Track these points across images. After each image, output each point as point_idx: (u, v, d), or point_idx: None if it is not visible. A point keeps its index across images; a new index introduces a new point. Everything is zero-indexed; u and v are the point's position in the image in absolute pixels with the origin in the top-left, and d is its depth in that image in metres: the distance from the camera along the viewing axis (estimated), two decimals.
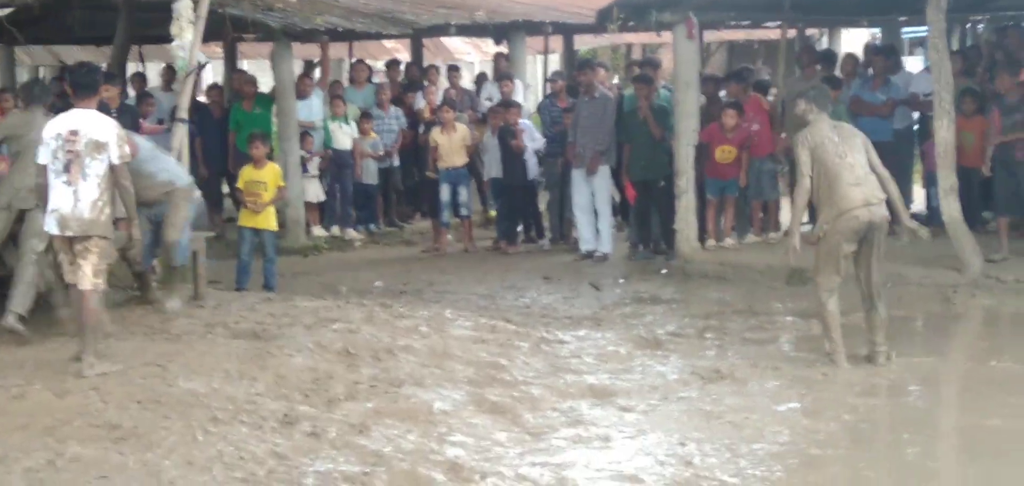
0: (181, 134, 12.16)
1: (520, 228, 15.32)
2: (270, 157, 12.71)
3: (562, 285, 12.66)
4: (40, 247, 9.19)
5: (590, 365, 9.12)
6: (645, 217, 14.02)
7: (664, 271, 13.04)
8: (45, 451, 6.30)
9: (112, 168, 8.50)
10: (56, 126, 8.57)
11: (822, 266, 9.02)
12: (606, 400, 8.19)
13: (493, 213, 16.18)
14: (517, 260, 14.31)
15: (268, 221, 12.11)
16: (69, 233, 8.41)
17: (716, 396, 8.28)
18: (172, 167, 10.71)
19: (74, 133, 8.47)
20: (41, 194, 8.63)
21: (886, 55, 14.65)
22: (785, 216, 13.96)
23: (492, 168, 15.40)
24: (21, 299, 9.27)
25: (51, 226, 8.49)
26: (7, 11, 15.01)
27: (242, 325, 9.62)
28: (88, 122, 8.57)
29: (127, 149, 8.73)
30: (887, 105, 13.65)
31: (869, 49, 16.88)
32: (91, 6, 15.52)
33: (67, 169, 8.42)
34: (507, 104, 15.45)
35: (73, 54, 22.49)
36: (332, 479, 6.22)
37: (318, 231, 15.57)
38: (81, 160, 8.43)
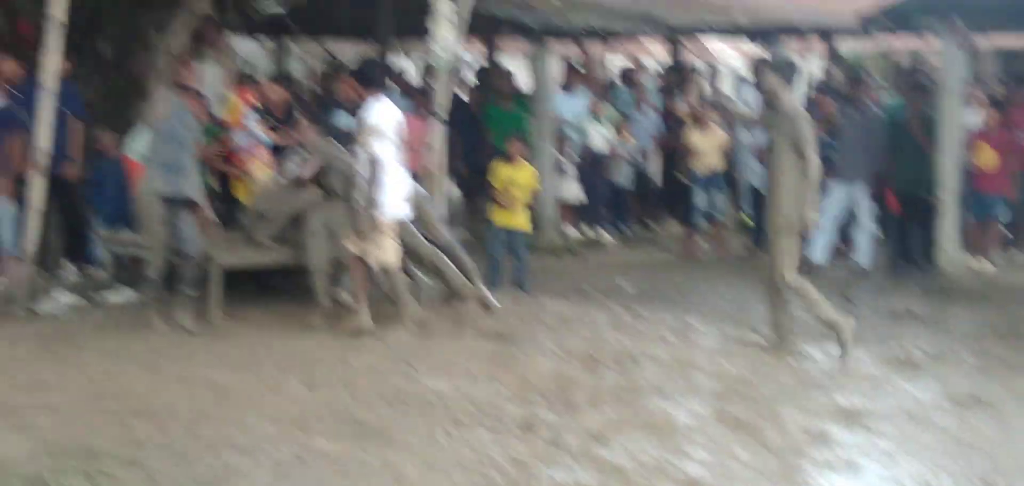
0: (438, 131, 12.38)
1: None
2: (526, 156, 12.81)
3: None
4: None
5: (840, 384, 8.85)
6: (906, 230, 13.56)
7: (924, 288, 12.58)
8: (293, 445, 6.47)
9: None
10: (392, 115, 9.33)
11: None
12: (855, 423, 7.91)
13: (749, 220, 15.92)
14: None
15: (521, 220, 12.22)
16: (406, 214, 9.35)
17: (973, 425, 7.89)
18: None
19: (400, 122, 9.39)
20: (377, 186, 9.22)
21: None
22: None
23: (749, 173, 15.17)
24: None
25: (406, 210, 9.42)
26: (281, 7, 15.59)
27: (489, 325, 9.71)
28: (396, 112, 9.46)
29: None
30: None
31: None
32: (357, 1, 15.92)
33: (401, 155, 9.36)
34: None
35: (339, 47, 23.17)
36: None
37: (570, 231, 15.61)
38: (403, 145, 9.40)
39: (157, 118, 9.72)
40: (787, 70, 9.60)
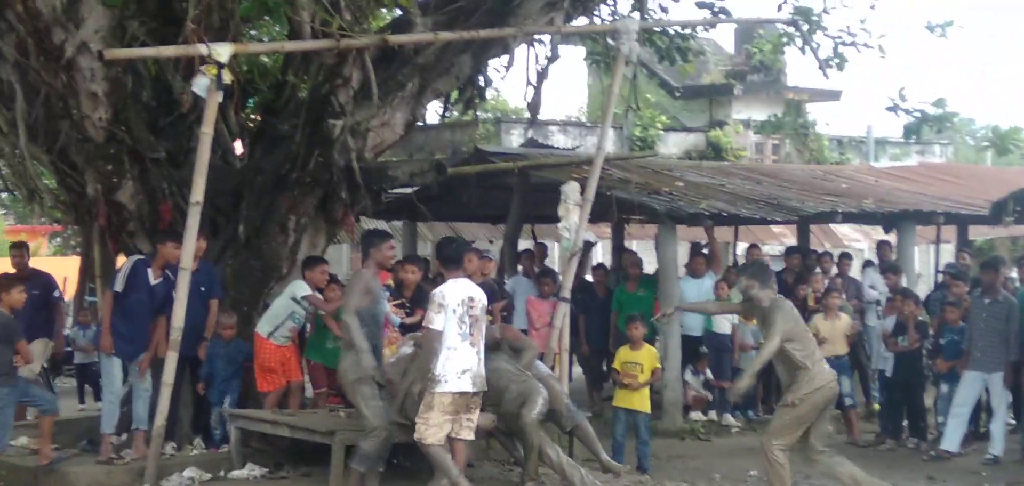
0: (563, 312, 12.48)
1: (905, 423, 14.71)
2: (648, 339, 12.79)
3: None
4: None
5: None
6: None
7: None
8: None
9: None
10: (457, 293, 9.46)
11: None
12: None
13: (877, 406, 15.63)
14: (901, 457, 13.72)
15: (643, 402, 12.17)
16: (477, 389, 9.40)
17: None
18: None
19: (472, 299, 9.45)
20: (433, 358, 9.33)
21: None
22: None
23: (880, 360, 14.94)
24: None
25: (466, 385, 9.36)
26: (412, 190, 15.97)
27: None
28: (476, 290, 9.62)
29: None
30: None
31: None
32: (486, 186, 16.23)
33: (471, 332, 9.37)
34: (905, 294, 14.96)
35: (470, 230, 23.55)
36: None
37: (695, 415, 15.48)
38: (479, 324, 9.46)
39: (364, 303, 9.95)
40: (760, 272, 10.44)
